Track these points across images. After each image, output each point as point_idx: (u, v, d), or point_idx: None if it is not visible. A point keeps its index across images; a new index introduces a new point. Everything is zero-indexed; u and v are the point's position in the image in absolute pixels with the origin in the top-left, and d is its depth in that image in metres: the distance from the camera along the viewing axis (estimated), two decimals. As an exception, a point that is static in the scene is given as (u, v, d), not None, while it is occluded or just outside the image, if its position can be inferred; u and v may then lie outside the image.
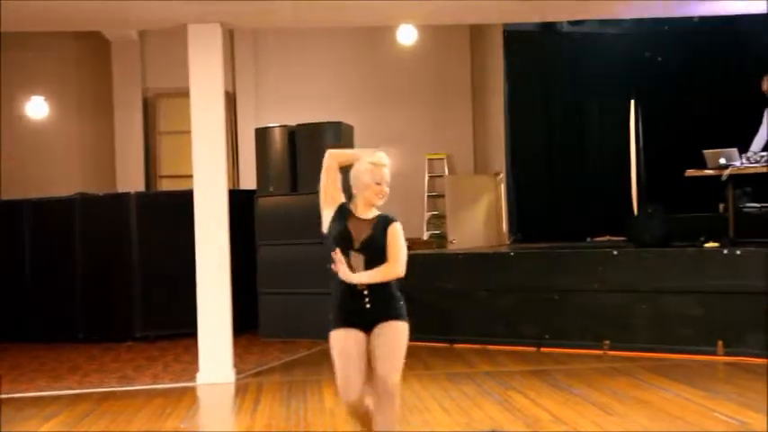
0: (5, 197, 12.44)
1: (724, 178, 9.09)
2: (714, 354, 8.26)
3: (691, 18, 11.24)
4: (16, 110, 14.33)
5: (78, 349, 10.69)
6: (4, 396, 7.86)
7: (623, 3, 8.72)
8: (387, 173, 4.59)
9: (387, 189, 4.59)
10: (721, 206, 9.82)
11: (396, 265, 4.52)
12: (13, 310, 11.67)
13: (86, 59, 15.02)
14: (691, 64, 12.51)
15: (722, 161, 9.08)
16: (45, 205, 11.92)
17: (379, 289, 4.53)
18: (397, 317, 4.58)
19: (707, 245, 8.88)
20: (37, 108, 14.25)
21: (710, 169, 9.23)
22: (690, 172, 9.53)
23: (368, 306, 4.51)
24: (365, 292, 4.51)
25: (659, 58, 12.84)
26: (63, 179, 14.16)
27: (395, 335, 4.55)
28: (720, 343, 8.26)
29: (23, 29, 10.09)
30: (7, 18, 7.76)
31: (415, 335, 9.66)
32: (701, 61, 12.45)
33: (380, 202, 4.62)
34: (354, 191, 4.63)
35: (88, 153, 14.98)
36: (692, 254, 8.72)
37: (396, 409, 4.53)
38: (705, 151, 9.31)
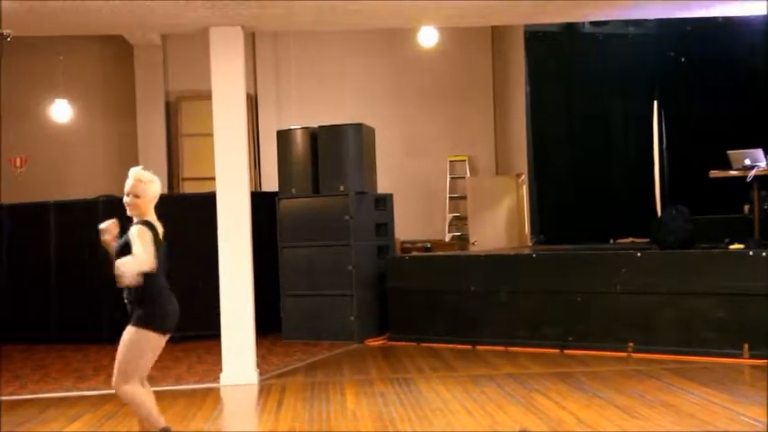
0: (31, 199, 12.52)
1: (749, 179, 9.02)
2: (740, 356, 8.19)
3: (715, 18, 11.17)
4: (41, 113, 14.44)
5: (105, 350, 10.74)
6: (29, 396, 7.94)
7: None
8: (131, 183, 4.97)
9: (127, 199, 4.98)
10: (746, 207, 9.74)
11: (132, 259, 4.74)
12: (39, 310, 11.78)
13: (110, 63, 15.16)
14: (714, 64, 12.43)
15: (747, 162, 9.00)
16: (70, 207, 12.01)
17: (131, 290, 4.92)
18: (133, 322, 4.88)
19: (732, 246, 8.80)
20: (61, 111, 14.33)
21: (735, 170, 9.15)
22: (714, 173, 9.45)
23: (127, 307, 4.90)
24: (124, 293, 4.89)
25: (682, 59, 12.77)
26: (87, 181, 14.29)
27: (123, 339, 4.92)
28: (746, 346, 8.19)
29: (46, 33, 10.17)
30: (30, 22, 7.84)
31: (437, 336, 9.83)
32: (725, 61, 12.37)
33: (129, 213, 5.02)
34: None
35: (112, 155, 15.10)
36: (716, 256, 8.65)
37: (134, 412, 4.92)
38: (730, 152, 9.24)
